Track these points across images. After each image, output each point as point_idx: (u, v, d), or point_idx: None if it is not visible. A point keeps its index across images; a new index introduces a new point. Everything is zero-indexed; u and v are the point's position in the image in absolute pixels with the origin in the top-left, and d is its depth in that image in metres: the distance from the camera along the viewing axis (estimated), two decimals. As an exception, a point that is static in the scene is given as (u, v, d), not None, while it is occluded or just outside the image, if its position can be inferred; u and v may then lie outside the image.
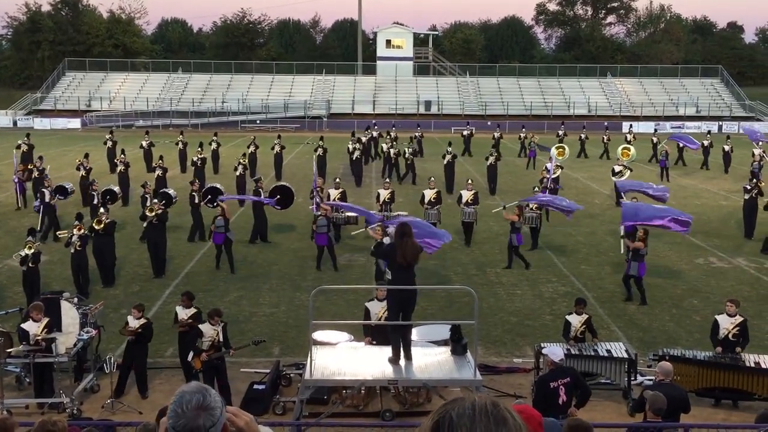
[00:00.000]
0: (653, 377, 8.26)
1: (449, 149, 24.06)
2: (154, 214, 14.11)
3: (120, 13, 69.99)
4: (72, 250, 12.85)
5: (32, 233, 12.37)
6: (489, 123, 38.77)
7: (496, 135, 33.15)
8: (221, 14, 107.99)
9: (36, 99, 53.24)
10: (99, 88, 54.33)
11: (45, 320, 8.89)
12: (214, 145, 27.20)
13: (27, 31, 64.57)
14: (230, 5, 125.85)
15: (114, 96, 53.17)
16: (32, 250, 12.01)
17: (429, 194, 17.01)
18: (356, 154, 25.11)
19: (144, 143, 27.29)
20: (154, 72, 58.16)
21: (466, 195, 16.86)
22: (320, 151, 24.93)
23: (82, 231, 12.89)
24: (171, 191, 19.00)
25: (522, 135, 32.91)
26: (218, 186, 18.44)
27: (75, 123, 48.53)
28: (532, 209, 16.36)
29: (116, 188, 19.57)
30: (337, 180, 18.63)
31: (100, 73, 56.55)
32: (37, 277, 12.26)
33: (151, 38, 77.17)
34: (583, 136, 33.06)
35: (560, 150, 24.65)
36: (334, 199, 17.06)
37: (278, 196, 16.99)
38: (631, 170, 21.92)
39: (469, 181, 17.78)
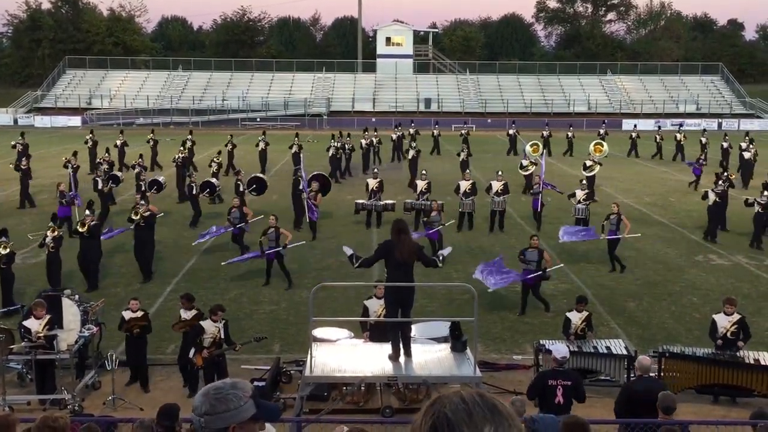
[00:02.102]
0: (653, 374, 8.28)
1: (413, 144, 25.16)
2: (139, 216, 13.71)
3: (120, 11, 70.05)
4: (46, 252, 12.68)
5: (5, 233, 12.31)
6: (466, 121, 38.22)
7: (511, 131, 33.12)
8: (221, 12, 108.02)
9: (36, 97, 53.27)
10: (99, 86, 54.33)
11: (46, 317, 8.93)
12: (189, 144, 27.01)
13: (27, 29, 64.59)
14: (230, 3, 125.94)
15: (114, 94, 53.18)
16: (7, 251, 12.00)
17: (464, 185, 17.80)
18: (331, 151, 25.19)
19: (118, 142, 26.91)
20: (154, 70, 58.16)
21: (496, 185, 17.82)
22: (295, 147, 25.15)
23: (57, 233, 12.66)
24: (215, 180, 19.32)
25: (569, 134, 32.42)
26: (214, 181, 18.97)
27: (75, 121, 48.54)
28: (580, 201, 16.80)
29: (161, 178, 19.93)
30: (376, 170, 19.80)
31: (101, 71, 56.55)
32: (11, 277, 12.20)
33: (152, 36, 77.20)
34: (464, 131, 32.79)
35: (534, 147, 24.92)
36: (373, 189, 18.19)
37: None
38: (601, 165, 22.26)
39: (500, 173, 18.63)
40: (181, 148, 23.88)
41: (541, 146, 25.57)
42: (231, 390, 1.95)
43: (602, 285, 13.70)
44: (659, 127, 36.93)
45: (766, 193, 16.79)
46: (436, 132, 32.64)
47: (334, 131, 29.73)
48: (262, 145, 26.24)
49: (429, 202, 17.86)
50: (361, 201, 18.19)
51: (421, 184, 18.29)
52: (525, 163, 21.98)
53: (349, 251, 8.20)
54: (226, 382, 2.01)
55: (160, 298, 12.82)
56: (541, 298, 12.25)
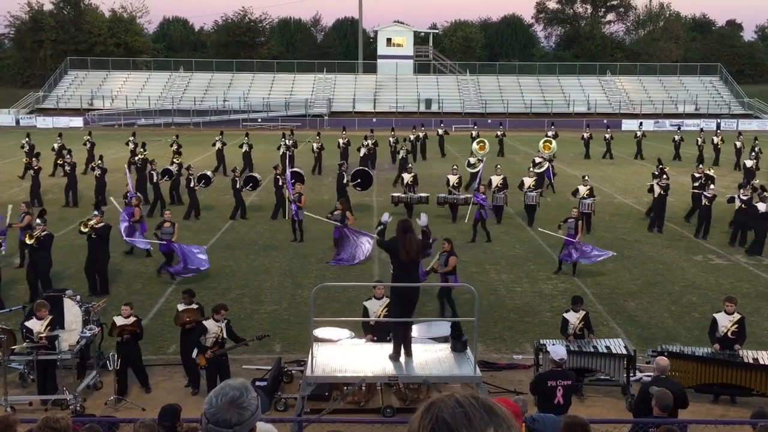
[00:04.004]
0: (651, 373, 8.32)
1: (365, 143, 26.32)
2: (88, 229, 12.70)
3: (122, 11, 70.21)
4: None
5: (97, 207, 12.45)
6: (441, 122, 37.73)
7: (550, 133, 32.24)
8: (222, 13, 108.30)
9: (38, 98, 53.37)
10: (101, 86, 54.42)
11: (48, 318, 8.96)
12: (131, 146, 26.82)
13: (29, 30, 64.73)
14: (231, 4, 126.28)
15: (116, 95, 53.28)
16: (90, 225, 12.24)
17: (496, 180, 18.63)
18: (282, 149, 25.85)
19: (56, 145, 25.96)
20: (155, 71, 58.26)
21: (528, 181, 18.65)
22: (246, 147, 25.91)
23: None
24: (257, 175, 19.96)
25: (585, 134, 32.37)
26: (256, 175, 19.93)
27: (77, 122, 48.62)
28: (584, 197, 17.52)
29: (209, 172, 20.46)
30: (410, 165, 20.98)
31: (102, 72, 56.64)
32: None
33: (153, 37, 77.35)
34: (500, 133, 32.94)
35: (481, 144, 25.18)
36: (407, 183, 19.51)
37: (359, 179, 19.54)
38: (549, 161, 22.84)
39: (530, 170, 19.59)
40: (142, 150, 23.39)
41: (487, 144, 25.86)
42: (246, 394, 2.02)
43: (602, 284, 13.74)
44: (701, 129, 34.91)
45: (741, 190, 17.14)
46: (474, 133, 32.91)
47: (320, 131, 29.94)
48: (218, 145, 26.76)
49: (464, 196, 19.02)
50: (397, 194, 19.55)
51: (452, 179, 19.43)
52: (472, 161, 22.22)
53: (386, 218, 8.43)
54: (234, 387, 2.03)
55: (162, 298, 12.85)
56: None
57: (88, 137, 27.47)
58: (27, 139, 27.33)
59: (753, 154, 25.63)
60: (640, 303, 12.66)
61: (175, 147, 25.82)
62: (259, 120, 49.16)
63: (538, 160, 22.43)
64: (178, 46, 76.92)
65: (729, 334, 9.15)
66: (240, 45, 69.31)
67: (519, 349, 10.63)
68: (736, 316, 9.25)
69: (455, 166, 20.37)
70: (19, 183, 24.10)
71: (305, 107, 51.06)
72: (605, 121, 44.91)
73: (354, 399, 8.72)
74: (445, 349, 8.26)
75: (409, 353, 7.84)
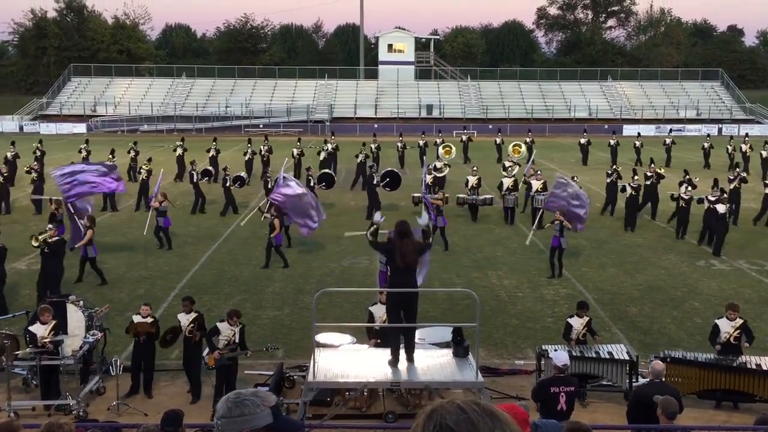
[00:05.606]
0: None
1: (325, 146, 26.86)
2: (40, 243, 12.06)
3: (124, 19, 70.56)
4: None
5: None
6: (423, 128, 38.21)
7: (582, 140, 32.17)
8: (224, 20, 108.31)
9: (42, 104, 53.61)
10: (104, 93, 54.64)
11: (52, 323, 8.98)
12: (83, 153, 26.79)
13: (33, 37, 65.07)
14: (233, 11, 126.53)
15: (119, 101, 53.48)
16: (42, 238, 12.17)
17: (507, 182, 19.34)
18: (248, 155, 26.56)
19: (9, 154, 25.17)
20: (158, 77, 58.54)
21: (536, 184, 19.14)
22: (213, 152, 26.71)
23: None
24: (286, 174, 20.09)
25: (612, 141, 31.43)
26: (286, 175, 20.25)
27: (80, 128, 48.78)
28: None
29: (243, 173, 21.21)
30: (475, 168, 21.49)
31: (105, 79, 56.90)
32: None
33: (156, 44, 77.75)
34: (528, 139, 31.70)
35: (447, 149, 25.26)
36: (472, 185, 20.04)
37: (388, 179, 20.21)
38: (519, 165, 23.02)
39: (539, 172, 20.11)
40: (110, 156, 22.91)
41: (453, 149, 25.91)
42: (250, 396, 1.99)
43: (604, 290, 13.73)
44: (731, 137, 33.92)
45: (711, 191, 17.41)
46: (498, 140, 33.03)
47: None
48: (180, 151, 26.97)
49: (481, 197, 19.69)
50: (462, 195, 20.08)
51: (472, 180, 20.19)
52: (439, 165, 22.49)
53: (378, 218, 8.48)
54: (249, 389, 2.05)
55: (164, 303, 12.87)
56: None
57: (38, 145, 26.67)
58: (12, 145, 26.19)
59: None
60: (642, 308, 12.65)
61: (132, 154, 26.11)
62: (261, 126, 49.31)
63: (507, 164, 22.56)
64: (180, 52, 77.27)
65: (731, 339, 9.14)
66: (242, 51, 69.56)
67: (521, 355, 10.63)
68: (738, 322, 9.25)
69: (475, 168, 21.09)
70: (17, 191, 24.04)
71: (307, 113, 51.21)
72: (606, 127, 44.94)
73: (356, 404, 8.72)
74: (447, 354, 8.26)
75: (411, 359, 7.84)
